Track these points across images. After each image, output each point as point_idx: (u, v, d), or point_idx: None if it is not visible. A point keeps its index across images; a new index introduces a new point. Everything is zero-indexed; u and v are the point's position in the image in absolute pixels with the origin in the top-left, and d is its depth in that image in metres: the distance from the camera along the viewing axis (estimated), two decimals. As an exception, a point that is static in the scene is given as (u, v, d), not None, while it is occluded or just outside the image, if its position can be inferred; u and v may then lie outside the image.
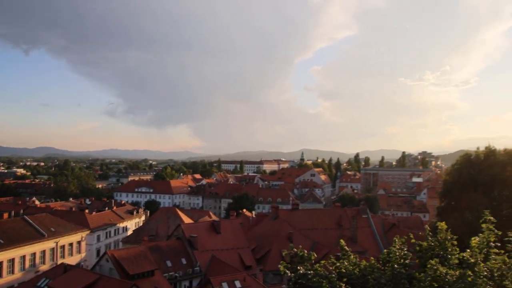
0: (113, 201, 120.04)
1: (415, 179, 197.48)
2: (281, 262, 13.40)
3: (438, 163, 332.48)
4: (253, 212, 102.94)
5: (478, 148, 53.90)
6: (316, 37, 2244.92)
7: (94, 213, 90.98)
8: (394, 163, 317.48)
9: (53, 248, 63.56)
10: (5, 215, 65.13)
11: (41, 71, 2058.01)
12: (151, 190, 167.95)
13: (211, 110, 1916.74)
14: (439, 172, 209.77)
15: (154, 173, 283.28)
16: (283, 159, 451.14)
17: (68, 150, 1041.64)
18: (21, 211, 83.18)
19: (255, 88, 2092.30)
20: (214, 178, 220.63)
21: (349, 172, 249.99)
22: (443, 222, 13.39)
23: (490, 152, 50.35)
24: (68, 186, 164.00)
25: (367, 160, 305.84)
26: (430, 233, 13.68)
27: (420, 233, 14.82)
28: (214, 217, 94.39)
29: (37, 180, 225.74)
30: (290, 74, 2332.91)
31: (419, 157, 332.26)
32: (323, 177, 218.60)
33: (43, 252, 61.49)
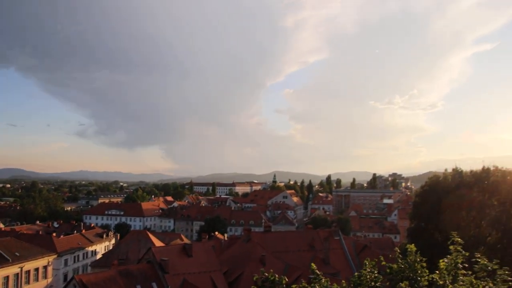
0: (82, 224, 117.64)
1: (386, 201, 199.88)
2: (252, 287, 13.30)
3: (408, 184, 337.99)
4: (226, 235, 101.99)
5: (446, 170, 55.08)
6: (288, 61, 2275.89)
7: (62, 236, 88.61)
8: (365, 184, 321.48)
9: (17, 274, 61.48)
10: (-33, 240, 63.03)
11: (9, 90, 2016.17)
12: (122, 213, 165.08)
13: (183, 132, 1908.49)
14: (409, 193, 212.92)
15: (125, 195, 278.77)
16: (256, 181, 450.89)
17: (36, 172, 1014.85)
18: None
19: (227, 110, 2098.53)
20: (186, 201, 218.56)
21: (321, 194, 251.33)
22: (413, 244, 13.55)
23: (457, 174, 51.49)
24: (35, 209, 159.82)
25: (338, 182, 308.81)
26: (400, 255, 13.83)
27: (390, 255, 14.93)
28: (186, 240, 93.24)
29: (2, 203, 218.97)
30: (261, 97, 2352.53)
31: (389, 178, 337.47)
32: (295, 199, 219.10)
33: (7, 278, 59.33)
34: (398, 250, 14.46)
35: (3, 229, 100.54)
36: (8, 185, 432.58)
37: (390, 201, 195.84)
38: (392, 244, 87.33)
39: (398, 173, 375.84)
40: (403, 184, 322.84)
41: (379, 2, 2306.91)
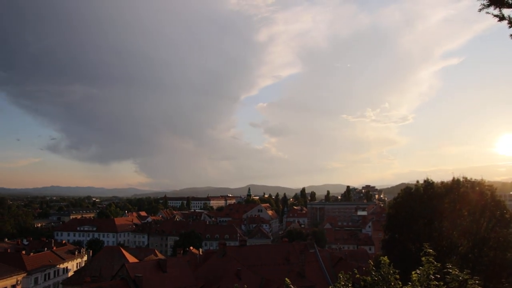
0: (53, 241, 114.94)
1: (360, 213, 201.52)
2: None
3: (382, 196, 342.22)
4: (201, 250, 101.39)
5: (417, 181, 55.85)
6: (262, 75, 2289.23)
7: (31, 254, 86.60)
8: (339, 197, 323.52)
9: (-15, 294, 59.78)
10: None
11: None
12: (94, 229, 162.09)
13: (157, 146, 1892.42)
14: (382, 205, 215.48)
15: (98, 210, 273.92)
16: (230, 195, 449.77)
17: (5, 187, 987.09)
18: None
19: (201, 124, 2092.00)
20: (160, 215, 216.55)
21: (295, 207, 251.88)
22: (386, 257, 13.72)
23: (428, 185, 52.34)
24: (4, 226, 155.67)
25: (313, 195, 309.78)
26: (374, 268, 13.99)
27: (364, 268, 15.07)
28: (160, 256, 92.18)
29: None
30: (236, 111, 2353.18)
31: (363, 190, 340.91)
32: (270, 212, 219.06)
33: (-26, 298, 57.66)
34: (372, 263, 14.62)
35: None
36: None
37: (364, 213, 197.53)
38: (367, 256, 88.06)
39: (372, 185, 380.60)
40: (377, 196, 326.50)
41: (350, 18, 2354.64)
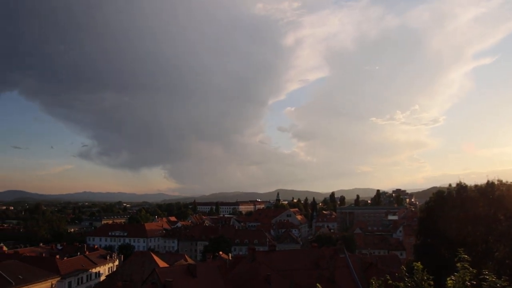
0: (85, 245, 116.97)
1: (390, 217, 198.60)
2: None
3: (412, 200, 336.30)
4: (230, 255, 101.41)
5: (450, 185, 54.75)
6: (289, 79, 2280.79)
7: (65, 258, 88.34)
8: (369, 201, 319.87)
9: (21, 297, 61.05)
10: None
11: (14, 113, 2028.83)
12: (125, 234, 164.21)
13: (186, 152, 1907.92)
14: (413, 209, 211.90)
15: (128, 216, 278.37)
16: (259, 200, 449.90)
17: (39, 194, 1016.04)
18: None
19: (228, 129, 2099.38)
20: (190, 221, 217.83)
21: (325, 212, 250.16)
22: (419, 262, 13.38)
23: (461, 188, 51.19)
24: (39, 231, 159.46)
25: (342, 199, 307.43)
26: (407, 274, 13.66)
27: (397, 273, 14.71)
28: (190, 261, 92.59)
29: (5, 225, 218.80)
30: (264, 115, 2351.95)
31: (393, 194, 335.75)
32: (299, 217, 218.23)
33: (11, 301, 58.95)
34: (404, 268, 14.29)
35: (6, 252, 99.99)
36: (12, 208, 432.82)
37: (395, 217, 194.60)
38: (398, 261, 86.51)
39: (402, 189, 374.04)
40: (407, 200, 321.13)
41: (377, 19, 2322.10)
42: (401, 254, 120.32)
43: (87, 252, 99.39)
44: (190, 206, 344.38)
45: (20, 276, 62.17)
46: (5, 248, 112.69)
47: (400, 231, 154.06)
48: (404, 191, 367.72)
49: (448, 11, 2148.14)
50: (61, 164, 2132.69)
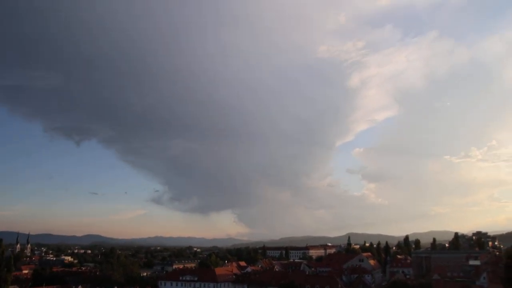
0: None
1: (472, 262, 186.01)
2: None
3: (496, 243, 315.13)
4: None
5: (539, 227, 50.48)
6: (356, 120, 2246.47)
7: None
8: (447, 245, 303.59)
9: None
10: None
11: (91, 160, 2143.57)
12: (196, 278, 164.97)
13: (254, 196, 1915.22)
14: (498, 253, 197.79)
15: (199, 260, 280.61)
16: (330, 244, 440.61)
17: (114, 238, 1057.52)
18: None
19: (296, 173, 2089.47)
20: (259, 265, 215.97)
21: (399, 256, 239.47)
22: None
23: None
24: (113, 274, 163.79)
25: (417, 242, 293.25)
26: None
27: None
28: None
29: (83, 268, 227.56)
30: (332, 158, 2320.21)
31: (473, 237, 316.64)
32: (372, 262, 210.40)
33: None
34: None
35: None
36: (89, 251, 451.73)
37: (477, 262, 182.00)
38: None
39: (483, 231, 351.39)
40: (490, 244, 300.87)
41: (447, 53, 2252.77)
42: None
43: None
44: (260, 251, 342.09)
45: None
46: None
47: (484, 278, 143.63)
48: (486, 233, 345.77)
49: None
50: (134, 209, 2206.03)
